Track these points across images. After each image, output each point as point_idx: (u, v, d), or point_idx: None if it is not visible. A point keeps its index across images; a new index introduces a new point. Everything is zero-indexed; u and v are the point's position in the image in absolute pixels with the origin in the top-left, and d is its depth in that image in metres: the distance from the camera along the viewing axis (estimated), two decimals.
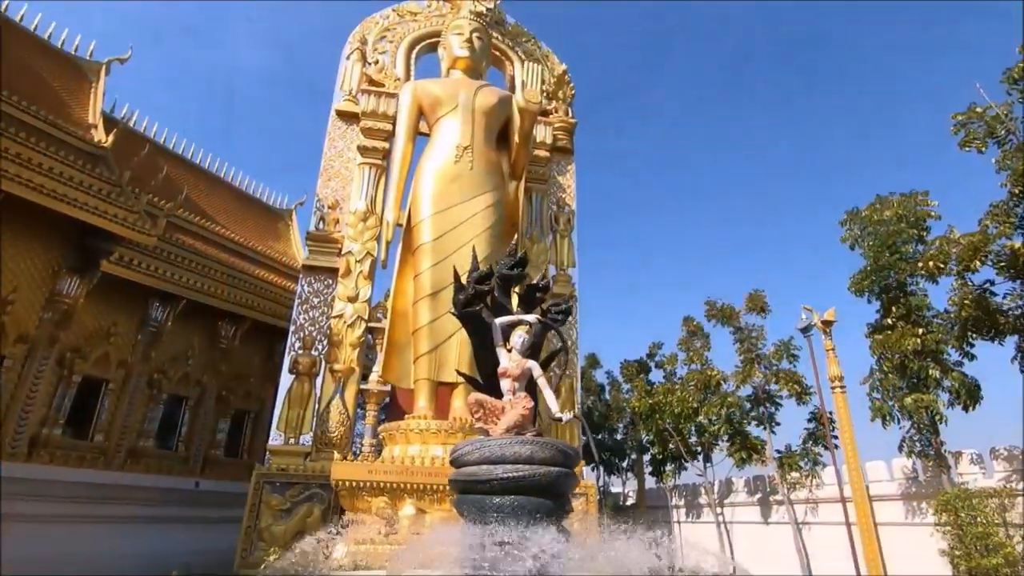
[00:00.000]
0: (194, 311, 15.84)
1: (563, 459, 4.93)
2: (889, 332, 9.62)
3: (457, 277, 6.08)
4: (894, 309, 9.84)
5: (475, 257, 6.32)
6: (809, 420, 13.46)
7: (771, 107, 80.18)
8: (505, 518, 4.62)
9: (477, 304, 5.64)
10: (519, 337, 5.63)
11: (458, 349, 13.01)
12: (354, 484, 10.33)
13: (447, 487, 10.62)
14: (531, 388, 5.65)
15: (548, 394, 5.52)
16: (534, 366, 5.62)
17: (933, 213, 10.30)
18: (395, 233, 14.87)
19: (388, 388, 14.06)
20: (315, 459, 12.23)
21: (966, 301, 8.54)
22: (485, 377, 5.80)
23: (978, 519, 8.32)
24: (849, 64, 73.59)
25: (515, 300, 6.40)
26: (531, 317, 5.79)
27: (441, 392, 12.92)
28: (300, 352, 13.37)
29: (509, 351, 5.67)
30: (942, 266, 9.16)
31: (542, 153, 16.74)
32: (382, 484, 10.27)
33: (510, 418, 5.22)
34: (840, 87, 76.33)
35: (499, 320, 5.75)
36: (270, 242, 22.38)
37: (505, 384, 5.52)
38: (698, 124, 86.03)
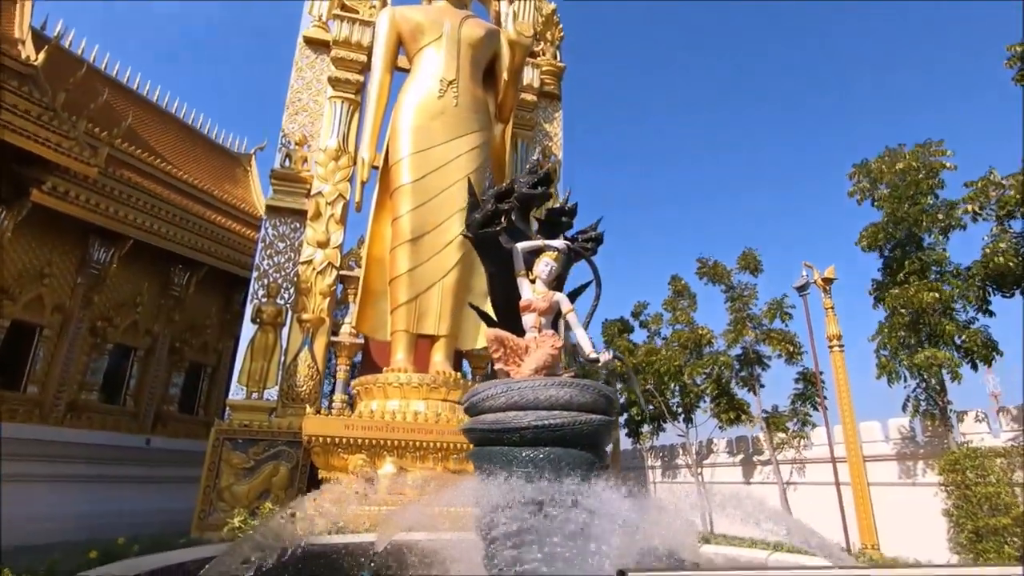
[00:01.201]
0: (142, 254, 14.31)
1: (606, 405, 4.14)
2: (906, 287, 9.18)
3: (472, 192, 5.11)
4: (907, 264, 9.40)
5: (471, 191, 5.34)
6: (797, 380, 13.19)
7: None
8: (537, 474, 3.83)
9: (495, 225, 4.71)
10: (546, 265, 4.76)
11: (439, 299, 12.10)
12: (328, 440, 9.44)
13: (432, 444, 9.91)
14: (554, 326, 4.82)
15: (580, 332, 4.69)
16: (562, 299, 4.78)
17: (948, 164, 9.84)
18: (371, 174, 13.67)
19: (361, 341, 13.04)
20: (281, 415, 11.23)
21: (1005, 248, 8.07)
22: (501, 312, 4.92)
23: (987, 478, 8.09)
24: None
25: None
26: (559, 243, 4.92)
27: (420, 345, 12.03)
28: (264, 300, 12.17)
29: (533, 282, 4.80)
30: (979, 211, 8.70)
31: (529, 97, 15.64)
32: (360, 440, 9.40)
33: (538, 358, 4.39)
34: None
35: (521, 245, 4.85)
36: (227, 187, 20.62)
37: (529, 319, 4.66)
38: (690, 77, 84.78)
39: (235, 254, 16.31)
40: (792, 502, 12.34)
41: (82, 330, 13.21)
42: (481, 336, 12.85)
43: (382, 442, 9.50)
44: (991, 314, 9.00)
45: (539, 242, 4.89)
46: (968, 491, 8.32)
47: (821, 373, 12.43)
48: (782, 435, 12.92)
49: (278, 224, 12.99)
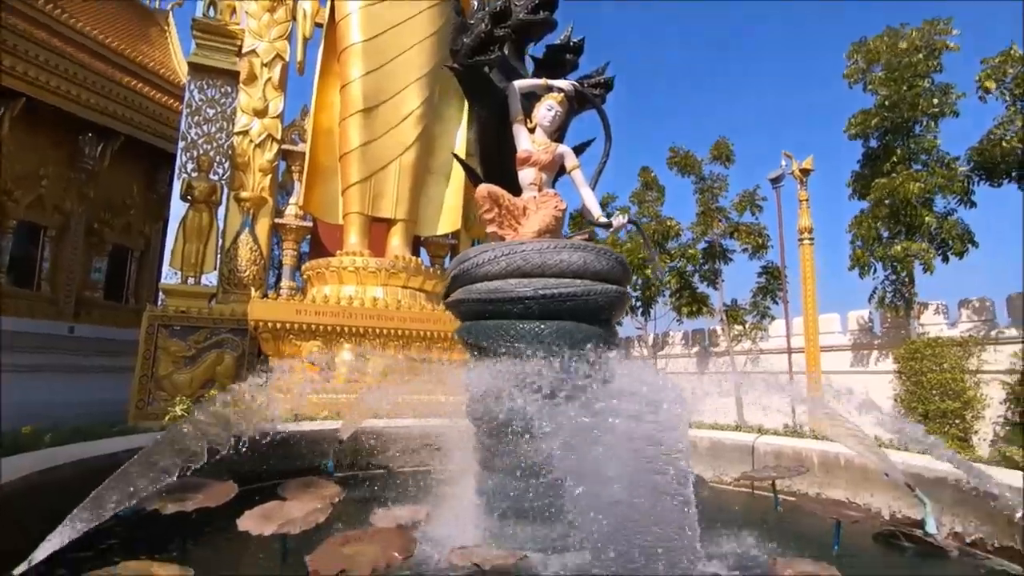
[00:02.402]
0: (42, 118, 12.20)
1: (622, 273, 3.53)
2: (893, 176, 8.86)
3: (460, 10, 4.07)
4: (898, 151, 9.03)
5: (459, 9, 4.26)
6: (760, 274, 13.20)
7: None
8: (540, 350, 3.24)
9: (489, 53, 3.74)
10: (548, 109, 3.90)
11: (396, 179, 10.99)
12: (279, 326, 8.66)
13: (394, 331, 9.31)
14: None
15: (587, 192, 3.97)
16: (567, 152, 3.99)
17: (952, 44, 9.23)
18: (314, 31, 11.82)
19: (309, 224, 11.89)
20: (223, 301, 10.26)
21: (1019, 129, 7.68)
22: (492, 166, 4.09)
23: (943, 366, 8.34)
24: None
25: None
26: (565, 83, 4.03)
27: (375, 230, 11.05)
28: (194, 175, 10.69)
29: (532, 130, 3.96)
30: (991, 86, 8.24)
31: None
32: (314, 327, 8.68)
33: (541, 219, 3.66)
34: None
35: (519, 83, 3.94)
36: (142, 47, 17.75)
37: (528, 175, 3.87)
38: None
39: (157, 125, 14.27)
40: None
41: None
42: (443, 221, 11.98)
43: (339, 329, 8.82)
44: (973, 205, 8.90)
45: (541, 81, 3.99)
46: (923, 378, 8.59)
47: (785, 267, 12.41)
48: (739, 328, 13.09)
49: (205, 87, 11.19)
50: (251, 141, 11.00)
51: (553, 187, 3.95)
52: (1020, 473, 3.59)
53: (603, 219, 3.88)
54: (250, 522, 2.90)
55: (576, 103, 4.15)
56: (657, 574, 1.60)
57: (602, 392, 3.04)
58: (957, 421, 8.36)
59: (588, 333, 3.32)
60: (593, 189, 4.02)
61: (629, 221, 3.93)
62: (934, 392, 8.44)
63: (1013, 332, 8.95)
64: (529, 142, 3.90)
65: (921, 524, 3.76)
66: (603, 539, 1.69)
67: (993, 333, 9.26)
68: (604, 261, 3.37)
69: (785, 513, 4.43)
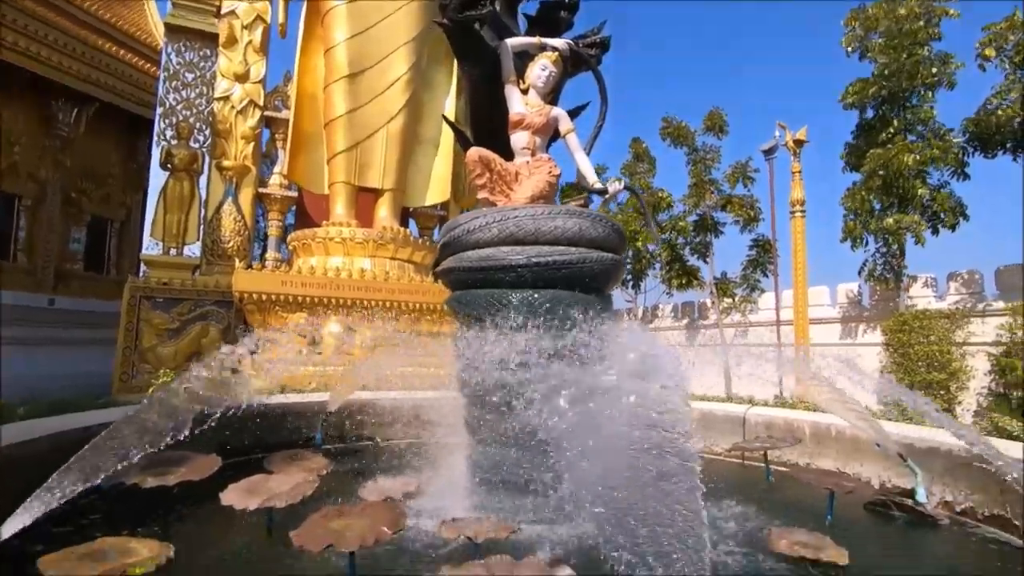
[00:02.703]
0: (11, 81, 11.69)
1: (618, 241, 3.42)
2: (889, 147, 8.76)
3: None
4: (895, 122, 8.91)
5: None
6: (751, 247, 13.16)
7: None
8: (533, 320, 3.14)
9: (479, 8, 3.54)
10: (543, 69, 3.73)
11: (384, 148, 10.71)
12: (264, 298, 8.49)
13: (383, 303, 9.17)
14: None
15: (581, 157, 3.82)
16: (562, 115, 3.83)
17: (952, 11, 9.05)
18: None
19: (294, 194, 11.62)
20: (207, 273, 10.05)
21: (1015, 98, 7.59)
22: (482, 130, 3.93)
23: (931, 338, 8.39)
24: None
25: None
26: (560, 42, 3.84)
27: (363, 199, 10.81)
28: (174, 142, 10.33)
29: (525, 91, 3.78)
30: (991, 54, 8.10)
31: None
32: (301, 298, 8.53)
33: (534, 185, 3.53)
34: None
35: (512, 42, 3.75)
36: (115, 8, 17.01)
37: (521, 139, 3.72)
38: None
39: (134, 90, 13.76)
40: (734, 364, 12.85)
41: None
42: (432, 192, 11.76)
43: (326, 300, 8.68)
44: (967, 177, 8.84)
45: (535, 39, 3.80)
46: (910, 350, 8.64)
47: (776, 240, 12.38)
48: (729, 300, 13.11)
49: (183, 50, 10.78)
50: (232, 107, 10.66)
51: (547, 152, 3.80)
52: (1020, 445, 3.58)
53: (598, 186, 3.74)
54: (234, 496, 2.81)
55: (570, 64, 3.97)
56: (661, 550, 1.52)
57: (599, 363, 2.96)
58: (942, 392, 8.45)
59: (583, 301, 3.22)
60: (588, 155, 3.88)
61: (625, 188, 3.79)
62: (920, 364, 8.51)
63: (1000, 304, 9.01)
64: (522, 104, 3.73)
65: (911, 493, 3.77)
66: (605, 519, 1.61)
67: (980, 306, 9.33)
68: (600, 228, 3.25)
69: (777, 483, 4.43)
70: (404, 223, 11.90)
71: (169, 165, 10.17)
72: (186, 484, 3.07)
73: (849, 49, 10.01)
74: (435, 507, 3.28)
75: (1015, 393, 8.05)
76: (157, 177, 10.22)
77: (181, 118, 10.47)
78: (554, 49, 3.77)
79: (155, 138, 10.36)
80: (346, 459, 4.69)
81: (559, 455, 2.65)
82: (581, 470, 2.16)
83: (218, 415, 3.18)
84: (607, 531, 1.67)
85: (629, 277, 15.67)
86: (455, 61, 11.19)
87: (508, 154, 3.79)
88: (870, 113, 9.75)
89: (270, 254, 11.29)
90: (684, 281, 13.30)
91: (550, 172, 3.62)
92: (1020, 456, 3.17)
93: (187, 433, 2.90)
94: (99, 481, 2.46)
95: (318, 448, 4.86)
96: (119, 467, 2.53)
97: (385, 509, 2.51)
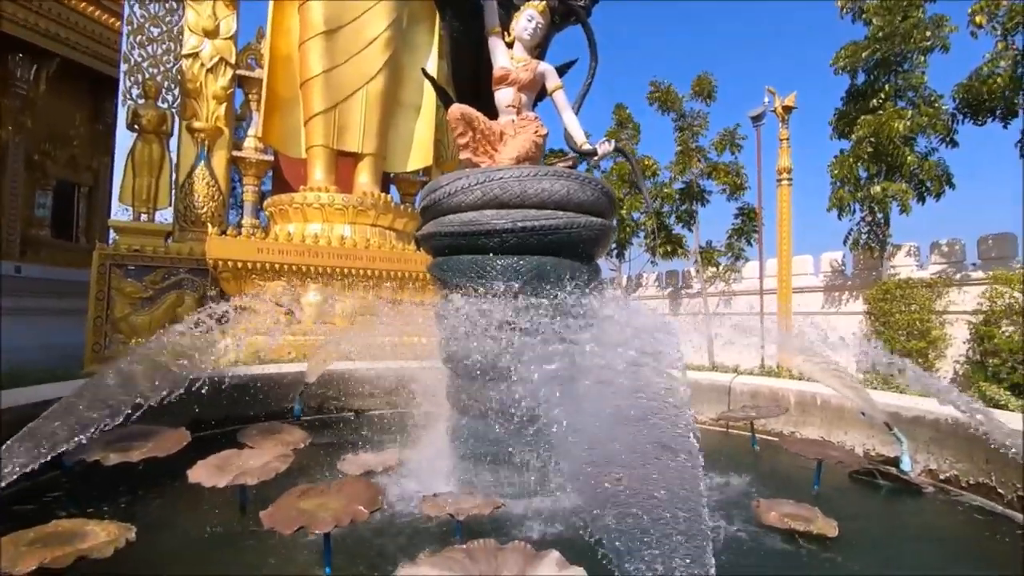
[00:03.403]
0: None
1: (607, 205, 3.25)
2: (879, 113, 8.63)
3: None
4: (887, 88, 8.76)
5: None
6: (736, 216, 13.09)
7: None
8: (520, 288, 3.00)
9: None
10: (529, 20, 3.48)
11: (363, 110, 10.30)
12: (240, 265, 8.22)
13: (363, 271, 8.94)
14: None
15: (569, 116, 3.62)
16: (549, 70, 3.61)
17: None
18: None
19: (270, 158, 11.19)
20: (180, 239, 9.68)
21: (1004, 68, 7.48)
22: (465, 86, 3.70)
23: (912, 307, 8.43)
24: None
25: None
26: None
27: (342, 164, 10.44)
28: (141, 102, 9.82)
29: (510, 45, 3.55)
30: (982, 21, 7.93)
31: None
32: (278, 266, 8.27)
33: (519, 145, 3.33)
34: None
35: None
36: None
37: (506, 96, 3.50)
38: None
39: (96, 46, 13.02)
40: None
41: None
42: (414, 157, 11.42)
43: (304, 268, 8.43)
44: (955, 144, 8.78)
45: None
46: (891, 318, 8.69)
47: (761, 209, 12.29)
48: (713, 269, 13.08)
49: (147, 2, 10.14)
50: (202, 65, 10.14)
51: (533, 110, 3.59)
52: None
53: (587, 146, 3.55)
54: (202, 473, 2.66)
55: (558, 16, 3.73)
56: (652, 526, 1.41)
57: (587, 333, 2.84)
58: (920, 360, 8.55)
59: (570, 268, 3.08)
60: (577, 113, 3.67)
61: (616, 149, 3.61)
62: (901, 332, 8.58)
63: (980, 274, 9.09)
64: (507, 58, 3.50)
65: (896, 462, 3.76)
66: (596, 497, 1.49)
67: (958, 276, 9.40)
68: (589, 191, 3.08)
69: (762, 451, 4.42)
70: (385, 189, 11.56)
71: (136, 126, 9.70)
72: (153, 460, 2.92)
73: (844, 10, 9.77)
74: (416, 481, 3.19)
75: (992, 360, 8.17)
76: (125, 139, 9.73)
77: (148, 76, 9.92)
78: (541, 1, 3.52)
79: (121, 98, 9.82)
80: (325, 432, 4.57)
81: (543, 428, 2.54)
82: (567, 444, 2.06)
83: (182, 389, 3.00)
84: (595, 511, 1.57)
85: (613, 245, 15.56)
86: (437, 20, 10.74)
87: (492, 115, 3.58)
88: (861, 78, 9.60)
89: (246, 220, 10.92)
90: (669, 249, 13.23)
91: (536, 132, 3.43)
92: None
93: (152, 405, 2.74)
94: (46, 460, 2.27)
95: (296, 420, 4.73)
96: (71, 444, 2.34)
97: (362, 487, 2.38)
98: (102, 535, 2.07)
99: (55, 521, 2.20)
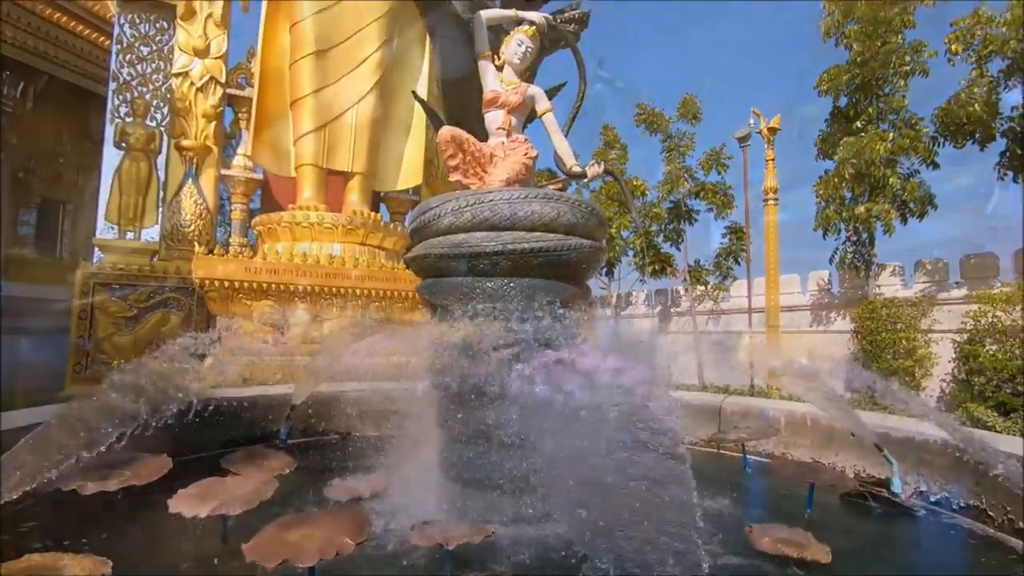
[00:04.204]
0: None
1: (597, 226, 3.26)
2: (861, 136, 8.80)
3: None
4: (870, 110, 8.95)
5: None
6: (724, 235, 13.21)
7: None
8: (509, 311, 2.98)
9: None
10: (519, 44, 3.52)
11: (353, 130, 10.31)
12: (227, 285, 8.12)
13: (352, 291, 8.86)
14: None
15: (559, 139, 3.64)
16: (539, 94, 3.64)
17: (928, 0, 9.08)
18: None
19: (259, 176, 11.16)
20: (167, 258, 9.59)
21: (979, 95, 7.67)
22: (454, 109, 3.72)
23: (898, 325, 8.51)
24: None
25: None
26: (536, 15, 3.63)
27: (332, 183, 10.42)
28: (129, 120, 9.80)
29: (500, 68, 3.58)
30: (958, 50, 8.14)
31: None
32: (266, 285, 8.18)
33: (509, 167, 3.34)
34: None
35: (486, 14, 3.53)
36: None
37: (496, 118, 3.51)
38: None
39: (85, 64, 13.03)
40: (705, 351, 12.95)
41: None
42: (404, 176, 11.43)
43: (292, 288, 8.34)
44: (936, 166, 8.96)
45: (511, 12, 3.59)
46: (877, 337, 8.76)
47: (749, 227, 12.43)
48: (702, 288, 13.16)
49: (137, 21, 10.18)
50: (192, 84, 10.13)
51: (523, 133, 3.61)
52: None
53: (577, 168, 3.57)
54: (183, 503, 2.58)
55: (548, 40, 3.77)
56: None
57: (577, 358, 2.82)
58: (907, 379, 8.62)
59: (559, 290, 3.07)
60: (566, 136, 3.70)
61: (605, 171, 3.63)
62: (887, 351, 8.65)
63: (964, 292, 9.21)
64: (497, 81, 3.53)
65: (886, 484, 3.76)
66: (587, 526, 1.46)
67: (943, 295, 9.53)
68: (579, 213, 3.08)
69: (754, 473, 4.40)
70: (375, 208, 11.54)
71: (124, 144, 9.68)
72: (132, 489, 2.83)
73: (826, 36, 10.01)
74: (404, 508, 3.12)
75: (977, 379, 8.24)
76: (112, 157, 9.70)
77: (136, 94, 9.93)
78: (531, 23, 3.56)
79: (108, 115, 9.80)
80: (312, 455, 4.48)
81: (532, 453, 2.50)
82: (555, 468, 2.02)
83: (168, 414, 2.93)
84: (588, 537, 1.54)
85: (603, 264, 15.62)
86: (428, 41, 10.84)
87: (482, 137, 3.59)
88: (843, 101, 9.81)
89: (235, 239, 10.85)
90: (658, 268, 13.31)
91: (526, 154, 3.44)
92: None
93: (129, 433, 2.66)
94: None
95: (283, 444, 4.63)
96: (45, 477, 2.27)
97: (347, 517, 2.32)
98: (76, 569, 1.99)
99: (28, 555, 2.12)
